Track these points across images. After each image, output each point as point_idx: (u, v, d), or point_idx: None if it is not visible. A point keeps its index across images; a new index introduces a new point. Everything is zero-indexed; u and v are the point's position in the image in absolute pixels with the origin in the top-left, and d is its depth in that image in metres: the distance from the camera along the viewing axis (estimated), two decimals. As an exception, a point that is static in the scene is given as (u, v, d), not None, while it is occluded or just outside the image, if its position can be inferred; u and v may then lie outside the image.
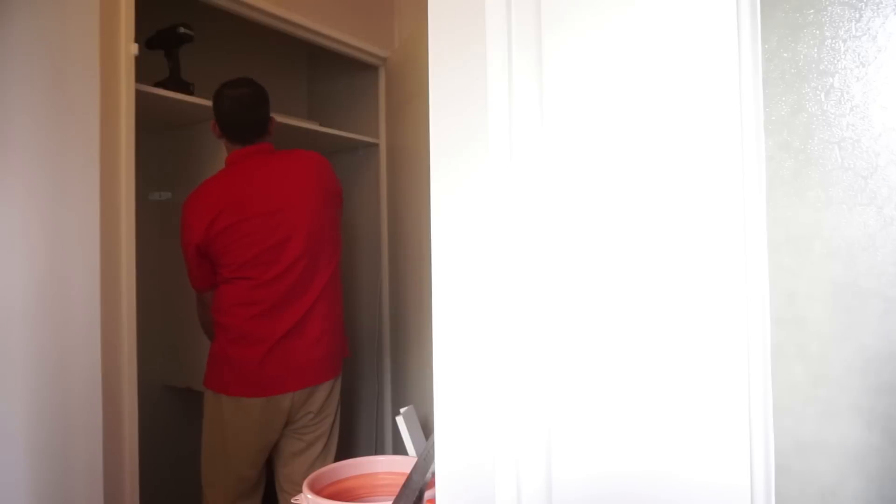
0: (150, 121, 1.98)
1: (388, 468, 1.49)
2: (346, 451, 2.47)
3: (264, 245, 1.78)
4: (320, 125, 2.46)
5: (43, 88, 1.44)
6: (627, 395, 0.56)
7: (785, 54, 0.50)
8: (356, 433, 2.59)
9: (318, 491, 1.33)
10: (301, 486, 1.37)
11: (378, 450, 2.49)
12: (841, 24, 0.48)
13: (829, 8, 0.48)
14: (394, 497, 1.15)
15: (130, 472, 1.58)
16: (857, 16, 0.47)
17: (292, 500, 1.35)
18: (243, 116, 1.85)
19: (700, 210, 0.53)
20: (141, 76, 1.66)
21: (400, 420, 1.53)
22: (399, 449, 1.84)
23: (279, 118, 2.25)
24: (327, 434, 1.95)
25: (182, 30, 1.95)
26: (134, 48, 1.62)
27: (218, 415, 1.81)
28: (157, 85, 1.91)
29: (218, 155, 2.09)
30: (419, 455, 1.26)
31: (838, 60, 0.48)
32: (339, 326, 1.95)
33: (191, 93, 2.01)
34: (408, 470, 1.23)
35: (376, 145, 2.55)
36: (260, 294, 1.78)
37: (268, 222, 1.79)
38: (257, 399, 1.78)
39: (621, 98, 0.57)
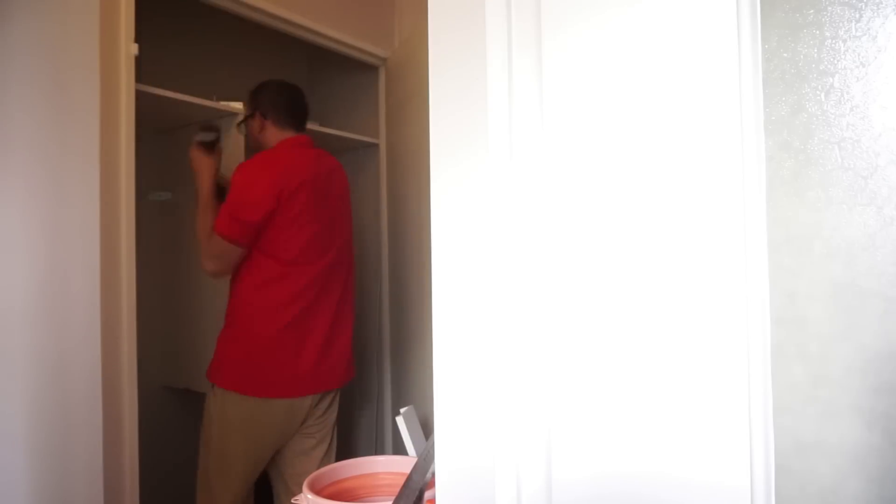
0: (150, 121, 1.98)
1: (388, 468, 1.49)
2: (346, 451, 2.47)
3: (319, 237, 1.83)
4: (320, 125, 2.46)
5: (43, 88, 1.44)
6: (627, 395, 0.56)
7: (785, 54, 0.50)
8: (356, 433, 2.59)
9: (318, 491, 1.33)
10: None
11: (378, 450, 2.49)
12: (841, 24, 0.48)
13: (829, 8, 0.48)
14: (394, 497, 1.15)
15: (130, 472, 1.58)
16: (857, 16, 0.47)
17: (292, 501, 1.35)
18: (301, 101, 1.97)
19: (700, 210, 0.53)
20: (141, 76, 1.66)
21: (400, 420, 1.53)
22: (399, 449, 1.84)
23: (279, 118, 2.24)
24: (332, 430, 1.97)
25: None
26: (134, 48, 1.62)
27: (238, 417, 1.78)
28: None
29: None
30: (419, 455, 1.26)
31: (838, 60, 0.48)
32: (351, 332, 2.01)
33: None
34: (408, 470, 1.23)
35: (376, 145, 2.55)
36: (300, 292, 1.79)
37: (324, 212, 1.86)
38: (285, 400, 1.79)
39: (621, 98, 0.57)
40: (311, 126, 2.40)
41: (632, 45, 0.56)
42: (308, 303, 1.80)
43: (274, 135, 1.91)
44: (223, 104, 2.06)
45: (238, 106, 2.10)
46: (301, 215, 1.78)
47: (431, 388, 0.70)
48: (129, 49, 1.60)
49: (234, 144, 2.09)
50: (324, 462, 1.88)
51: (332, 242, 1.87)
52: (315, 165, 1.87)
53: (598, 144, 0.58)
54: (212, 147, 1.90)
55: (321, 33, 2.24)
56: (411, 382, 2.24)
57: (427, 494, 1.14)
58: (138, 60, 1.63)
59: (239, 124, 2.01)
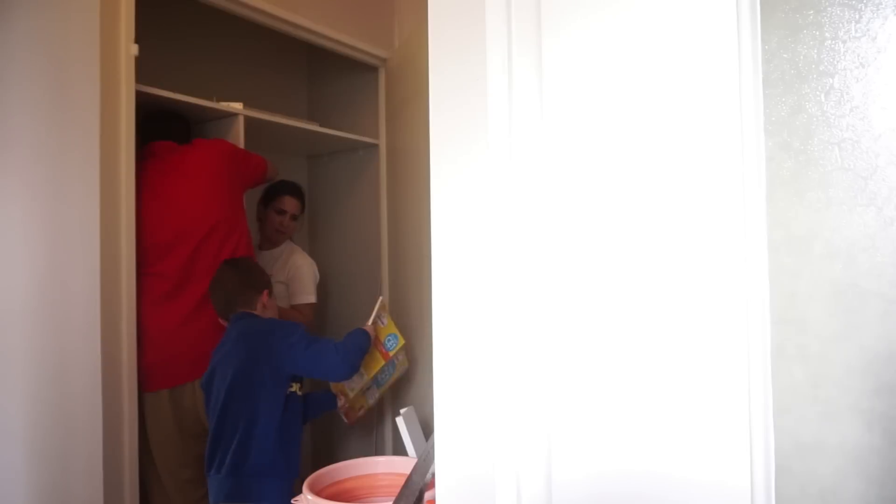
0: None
1: (388, 469, 1.49)
2: (346, 451, 2.47)
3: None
4: (320, 125, 2.45)
5: (44, 88, 1.44)
6: (628, 395, 0.56)
7: (785, 55, 0.50)
8: (356, 433, 2.59)
9: (318, 492, 1.33)
10: None
11: (378, 450, 2.48)
12: (841, 25, 0.48)
13: (829, 9, 0.48)
14: (394, 497, 1.15)
15: (130, 471, 1.58)
16: (857, 17, 0.47)
17: (292, 501, 1.35)
18: None
19: (700, 210, 0.53)
20: (141, 76, 1.66)
21: (400, 420, 1.53)
22: (399, 449, 1.84)
23: (279, 118, 2.25)
24: None
25: None
26: (134, 48, 1.62)
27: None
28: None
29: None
30: (419, 456, 1.26)
31: (838, 61, 0.48)
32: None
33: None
34: (408, 470, 1.23)
35: (376, 146, 2.55)
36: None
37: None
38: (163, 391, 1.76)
39: (622, 98, 0.57)
40: (310, 126, 2.40)
41: (632, 46, 0.56)
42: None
43: None
44: (223, 104, 2.06)
45: (238, 106, 2.10)
46: None
47: (431, 388, 0.70)
48: (129, 49, 1.60)
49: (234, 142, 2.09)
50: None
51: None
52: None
53: (598, 143, 0.58)
54: None
55: (321, 33, 2.24)
56: (411, 382, 2.24)
57: (427, 495, 1.14)
58: (138, 60, 1.63)
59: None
